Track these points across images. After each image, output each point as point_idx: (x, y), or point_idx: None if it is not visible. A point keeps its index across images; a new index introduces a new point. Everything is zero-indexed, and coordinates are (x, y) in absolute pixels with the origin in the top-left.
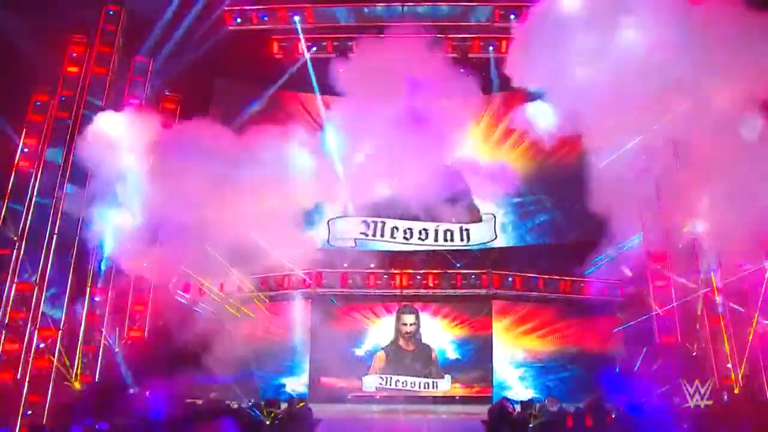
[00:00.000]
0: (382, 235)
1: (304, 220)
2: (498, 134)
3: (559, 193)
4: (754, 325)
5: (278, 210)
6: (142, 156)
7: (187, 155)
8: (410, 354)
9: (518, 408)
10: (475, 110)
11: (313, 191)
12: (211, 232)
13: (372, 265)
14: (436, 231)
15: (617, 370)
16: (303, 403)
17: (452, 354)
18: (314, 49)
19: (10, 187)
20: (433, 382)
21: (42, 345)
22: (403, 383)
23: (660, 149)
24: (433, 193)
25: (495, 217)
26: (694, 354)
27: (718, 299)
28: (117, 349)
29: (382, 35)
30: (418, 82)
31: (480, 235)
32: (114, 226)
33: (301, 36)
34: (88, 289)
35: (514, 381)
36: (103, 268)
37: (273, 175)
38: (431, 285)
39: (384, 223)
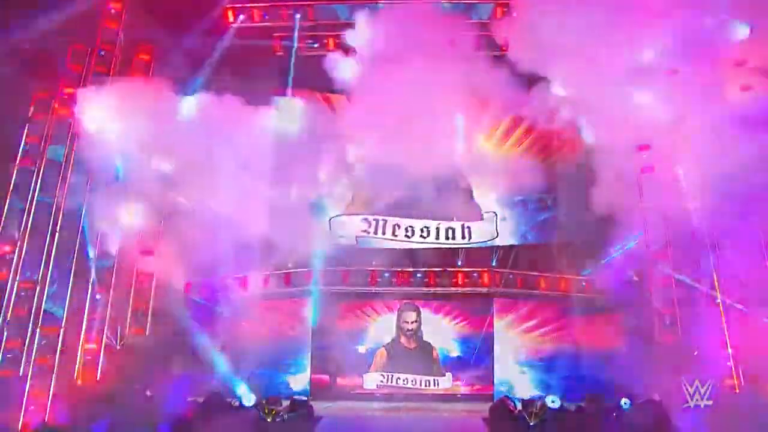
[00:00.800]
0: (383, 233)
1: None
2: (500, 132)
3: (561, 192)
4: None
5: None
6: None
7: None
8: (411, 352)
9: (519, 406)
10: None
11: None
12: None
13: (373, 263)
14: (438, 229)
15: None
16: (304, 401)
17: (454, 352)
18: (315, 45)
19: (11, 185)
20: (434, 379)
21: (44, 342)
22: (404, 381)
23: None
24: (436, 191)
25: (497, 215)
26: (695, 354)
27: (719, 297)
28: (119, 347)
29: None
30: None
31: (482, 233)
32: (116, 224)
33: (303, 34)
34: (90, 287)
35: (516, 379)
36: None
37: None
38: (433, 283)
39: (385, 221)
